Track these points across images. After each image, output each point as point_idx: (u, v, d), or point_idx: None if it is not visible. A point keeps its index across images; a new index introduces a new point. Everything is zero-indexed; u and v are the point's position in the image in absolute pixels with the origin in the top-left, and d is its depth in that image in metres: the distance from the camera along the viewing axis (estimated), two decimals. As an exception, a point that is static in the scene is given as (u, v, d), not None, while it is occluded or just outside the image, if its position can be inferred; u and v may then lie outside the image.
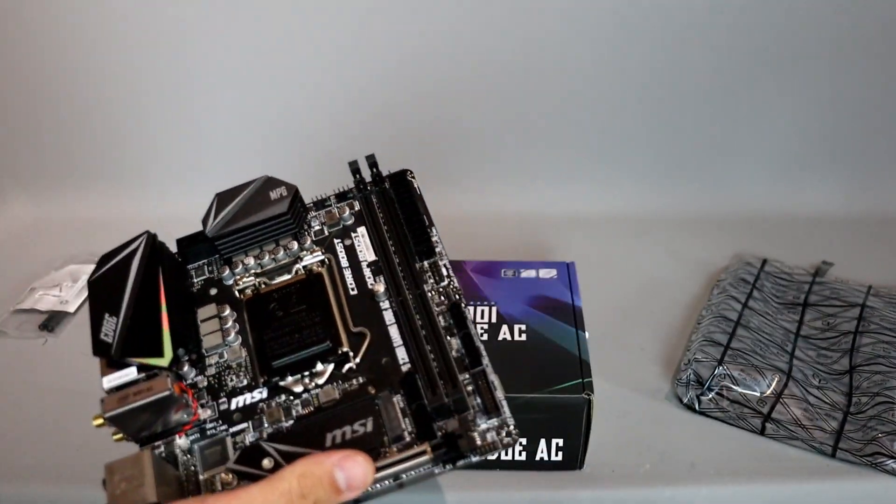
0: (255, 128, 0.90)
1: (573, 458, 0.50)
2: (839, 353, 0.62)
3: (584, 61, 0.87)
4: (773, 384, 0.56)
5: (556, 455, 0.50)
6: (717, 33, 0.85)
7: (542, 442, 0.50)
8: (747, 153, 0.91)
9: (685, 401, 0.57)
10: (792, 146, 0.91)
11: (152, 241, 0.36)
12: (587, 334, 0.55)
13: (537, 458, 0.50)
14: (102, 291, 0.34)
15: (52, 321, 0.68)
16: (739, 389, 0.56)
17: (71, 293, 0.72)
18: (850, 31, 0.84)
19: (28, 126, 0.89)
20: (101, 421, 0.34)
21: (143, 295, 0.34)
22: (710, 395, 0.56)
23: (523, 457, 0.50)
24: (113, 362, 0.34)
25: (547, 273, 0.62)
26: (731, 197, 0.91)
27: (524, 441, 0.50)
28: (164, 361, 0.34)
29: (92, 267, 0.77)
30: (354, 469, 0.30)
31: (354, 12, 0.84)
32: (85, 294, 0.73)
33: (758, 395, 0.55)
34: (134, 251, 0.35)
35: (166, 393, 0.33)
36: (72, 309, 0.70)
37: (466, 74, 0.87)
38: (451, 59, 0.86)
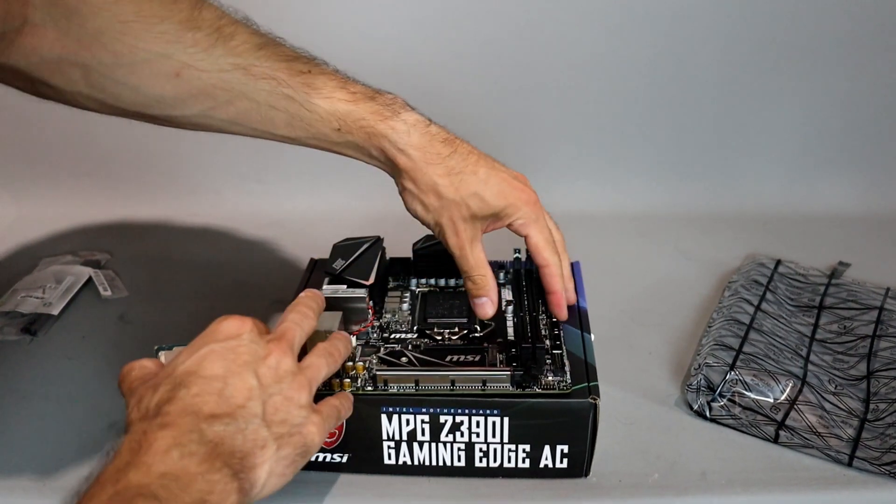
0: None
1: (578, 465, 0.51)
2: (856, 357, 0.62)
3: (590, 50, 0.87)
4: (787, 390, 0.56)
5: (561, 462, 0.50)
6: (731, 23, 0.85)
7: (547, 448, 0.50)
8: (760, 148, 0.91)
9: (695, 407, 0.57)
10: (807, 142, 0.91)
11: (380, 240, 0.61)
12: (592, 337, 0.55)
13: (541, 465, 0.50)
14: (339, 251, 0.59)
15: (34, 324, 0.68)
16: (752, 395, 0.56)
17: (54, 295, 0.72)
18: (868, 23, 0.85)
19: (10, 123, 0.89)
20: None
21: (367, 255, 0.58)
22: (722, 402, 0.56)
23: (527, 464, 0.50)
24: (334, 280, 0.56)
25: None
26: (744, 194, 0.91)
27: (527, 447, 0.50)
28: (367, 283, 0.55)
29: (77, 268, 0.77)
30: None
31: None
32: (69, 297, 0.73)
33: (771, 401, 0.55)
34: (366, 240, 0.60)
35: (363, 293, 0.54)
36: (55, 311, 0.70)
37: (463, 63, 0.87)
38: (446, 46, 0.87)
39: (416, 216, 0.52)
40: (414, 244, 0.62)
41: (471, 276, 0.52)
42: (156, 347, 0.46)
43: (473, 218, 0.50)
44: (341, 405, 0.46)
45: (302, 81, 0.48)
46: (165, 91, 0.46)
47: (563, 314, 0.55)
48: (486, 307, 0.53)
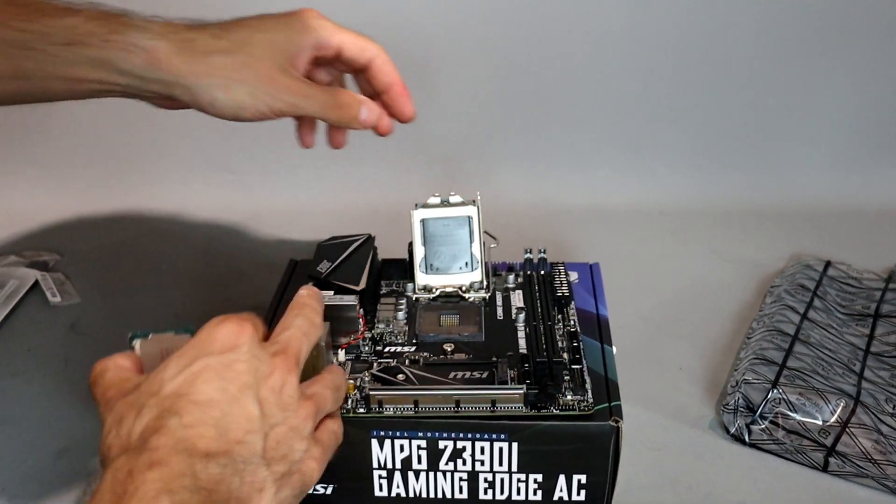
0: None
1: (598, 498, 0.50)
2: (917, 373, 0.62)
3: (611, 23, 0.87)
4: (839, 411, 0.56)
5: (578, 494, 0.50)
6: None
7: (562, 478, 0.50)
8: (807, 134, 0.91)
9: (732, 430, 0.57)
10: (860, 126, 0.91)
11: (371, 238, 0.61)
12: (614, 349, 0.55)
13: (555, 497, 0.50)
14: (325, 252, 0.59)
15: (-28, 335, 0.69)
16: (797, 417, 0.56)
17: (-5, 301, 0.72)
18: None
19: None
20: None
21: (356, 256, 0.59)
22: (763, 424, 0.56)
23: (538, 496, 0.50)
24: (318, 285, 0.54)
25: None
26: (788, 187, 0.91)
27: (539, 477, 0.50)
28: (357, 288, 0.55)
29: (21, 270, 0.77)
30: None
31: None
32: (12, 304, 0.72)
33: (819, 423, 0.55)
34: (355, 239, 0.60)
35: (353, 300, 0.54)
36: (-4, 320, 0.71)
37: (470, 42, 0.87)
38: (452, 23, 0.87)
39: (233, 114, 0.50)
40: (410, 243, 0.62)
41: (329, 111, 0.52)
42: (129, 334, 0.43)
43: (283, 59, 0.50)
44: (339, 432, 0.45)
45: (14, 13, 0.47)
46: None
47: (411, 107, 0.56)
48: (371, 112, 0.53)
